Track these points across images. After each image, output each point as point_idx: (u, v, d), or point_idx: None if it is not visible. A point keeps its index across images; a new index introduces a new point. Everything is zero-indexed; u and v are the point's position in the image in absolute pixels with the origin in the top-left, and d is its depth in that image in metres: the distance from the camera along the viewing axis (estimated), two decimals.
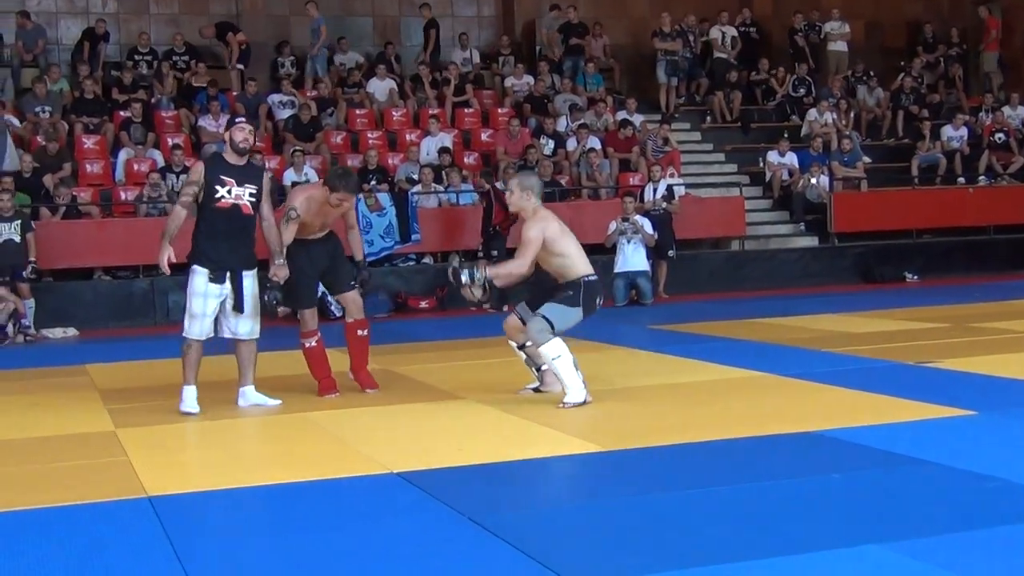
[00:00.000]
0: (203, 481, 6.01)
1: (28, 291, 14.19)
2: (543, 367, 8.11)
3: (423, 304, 16.17)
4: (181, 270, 8.05)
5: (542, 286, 8.23)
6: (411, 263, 17.01)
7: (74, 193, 16.15)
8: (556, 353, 7.73)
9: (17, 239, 14.34)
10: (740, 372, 9.04)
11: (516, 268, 7.97)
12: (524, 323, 8.01)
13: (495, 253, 15.29)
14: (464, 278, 7.84)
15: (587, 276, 8.02)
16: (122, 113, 17.84)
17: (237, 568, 4.49)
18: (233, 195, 7.79)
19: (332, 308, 14.56)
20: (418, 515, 5.16)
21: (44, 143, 16.61)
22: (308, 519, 5.15)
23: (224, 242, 7.78)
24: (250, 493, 5.72)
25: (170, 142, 17.31)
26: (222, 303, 7.86)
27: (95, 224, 15.81)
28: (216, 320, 7.92)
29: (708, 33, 21.98)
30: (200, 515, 5.37)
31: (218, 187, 7.76)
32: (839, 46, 22.55)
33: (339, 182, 8.30)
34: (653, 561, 4.30)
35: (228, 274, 7.79)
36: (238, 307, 7.85)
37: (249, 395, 8.14)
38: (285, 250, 8.03)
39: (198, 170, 7.91)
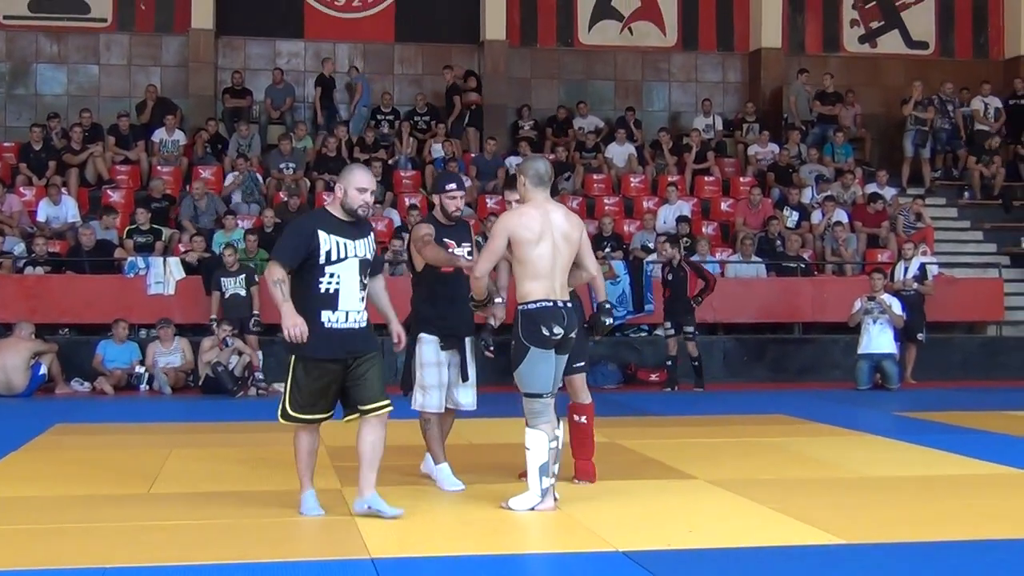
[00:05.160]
0: (428, 545, 5.94)
1: (256, 344, 14.31)
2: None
3: (653, 377, 15.67)
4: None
5: None
6: (643, 334, 16.56)
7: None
8: (528, 444, 6.72)
9: (243, 293, 14.64)
10: (994, 468, 8.45)
11: (473, 274, 6.85)
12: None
13: (690, 330, 14.55)
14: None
15: (529, 303, 6.68)
16: None
17: None
18: None
19: None
20: None
21: (286, 199, 16.94)
22: None
23: (449, 306, 7.41)
24: (474, 561, 5.63)
25: (407, 202, 17.37)
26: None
27: None
28: None
29: (970, 103, 20.85)
30: None
31: None
32: None
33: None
34: None
35: (454, 340, 7.45)
36: (464, 375, 7.48)
37: (428, 463, 7.74)
38: (505, 293, 7.57)
39: (430, 230, 7.46)
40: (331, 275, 6.29)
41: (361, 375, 6.35)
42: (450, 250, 7.34)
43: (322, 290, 6.27)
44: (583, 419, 7.69)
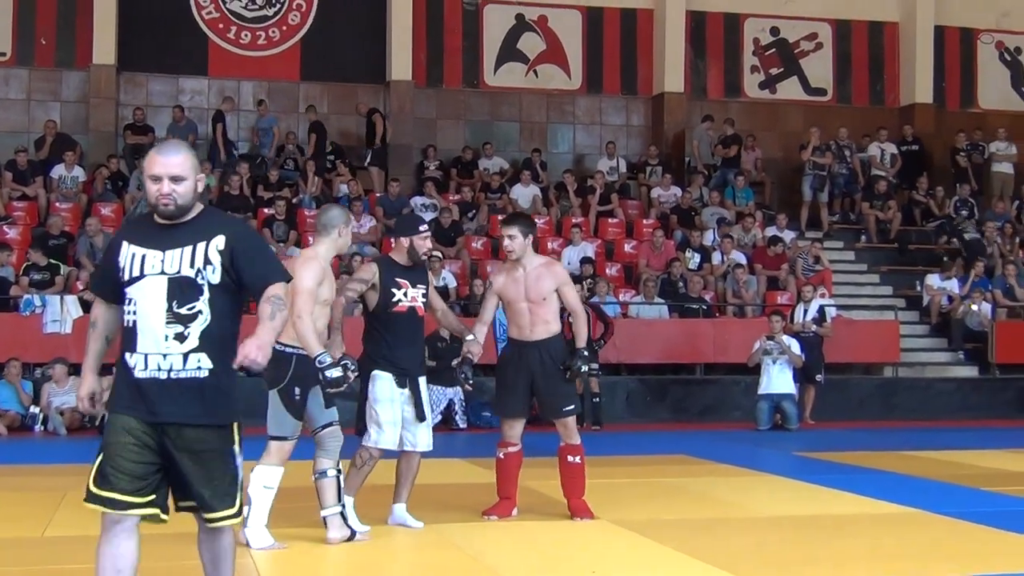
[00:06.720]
0: None
1: None
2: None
3: None
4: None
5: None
6: None
7: None
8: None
9: None
10: (890, 507, 8.58)
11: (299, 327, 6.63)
12: None
13: (595, 367, 14.68)
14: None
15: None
16: (266, 210, 17.91)
17: None
18: (409, 297, 7.40)
19: (456, 418, 14.48)
20: None
21: None
22: None
23: (405, 347, 7.36)
24: None
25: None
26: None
27: None
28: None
29: (867, 149, 21.33)
30: None
31: (394, 290, 7.40)
32: (1004, 167, 21.81)
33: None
34: None
35: (408, 380, 7.40)
36: (420, 415, 7.39)
37: (397, 513, 7.61)
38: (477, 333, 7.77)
39: (372, 270, 7.49)
40: (129, 301, 4.39)
41: (182, 462, 4.37)
42: (403, 290, 7.37)
43: (125, 323, 4.42)
44: (576, 459, 7.92)
